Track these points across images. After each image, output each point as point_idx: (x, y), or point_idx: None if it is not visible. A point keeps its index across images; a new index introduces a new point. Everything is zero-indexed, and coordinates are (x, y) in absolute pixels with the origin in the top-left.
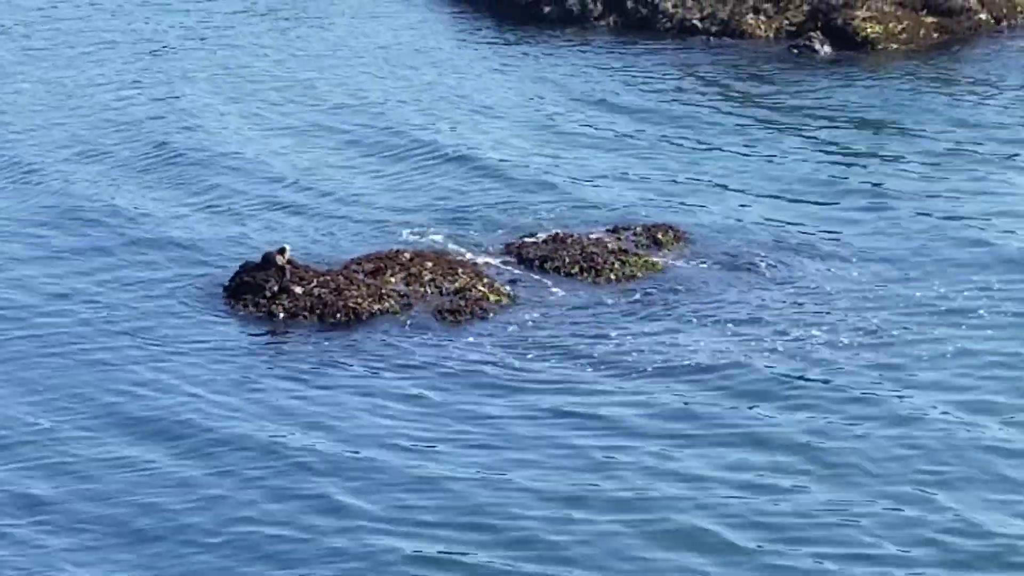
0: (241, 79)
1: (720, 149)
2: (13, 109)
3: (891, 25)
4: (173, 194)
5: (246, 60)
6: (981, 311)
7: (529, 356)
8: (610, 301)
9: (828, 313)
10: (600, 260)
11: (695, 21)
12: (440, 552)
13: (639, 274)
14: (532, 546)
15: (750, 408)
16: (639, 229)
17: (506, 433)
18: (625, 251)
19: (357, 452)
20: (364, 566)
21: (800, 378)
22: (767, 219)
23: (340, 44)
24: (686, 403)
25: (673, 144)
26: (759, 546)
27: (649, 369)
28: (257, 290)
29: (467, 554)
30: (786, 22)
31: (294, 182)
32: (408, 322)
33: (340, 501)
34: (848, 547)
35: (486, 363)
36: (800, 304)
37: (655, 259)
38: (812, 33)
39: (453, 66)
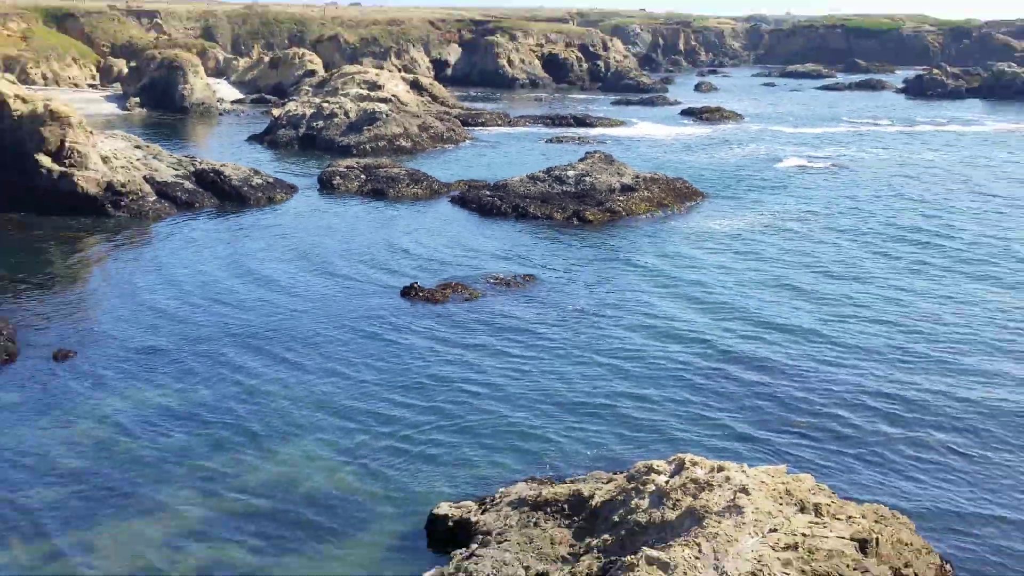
0: None
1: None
2: None
3: (633, 204)
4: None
5: None
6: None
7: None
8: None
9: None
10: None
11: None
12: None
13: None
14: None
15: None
16: (505, 277)
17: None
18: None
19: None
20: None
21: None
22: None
23: None
24: (540, 327)
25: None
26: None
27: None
28: (412, 292)
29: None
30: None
31: (411, 262)
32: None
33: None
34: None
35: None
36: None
37: (528, 282)
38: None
39: None
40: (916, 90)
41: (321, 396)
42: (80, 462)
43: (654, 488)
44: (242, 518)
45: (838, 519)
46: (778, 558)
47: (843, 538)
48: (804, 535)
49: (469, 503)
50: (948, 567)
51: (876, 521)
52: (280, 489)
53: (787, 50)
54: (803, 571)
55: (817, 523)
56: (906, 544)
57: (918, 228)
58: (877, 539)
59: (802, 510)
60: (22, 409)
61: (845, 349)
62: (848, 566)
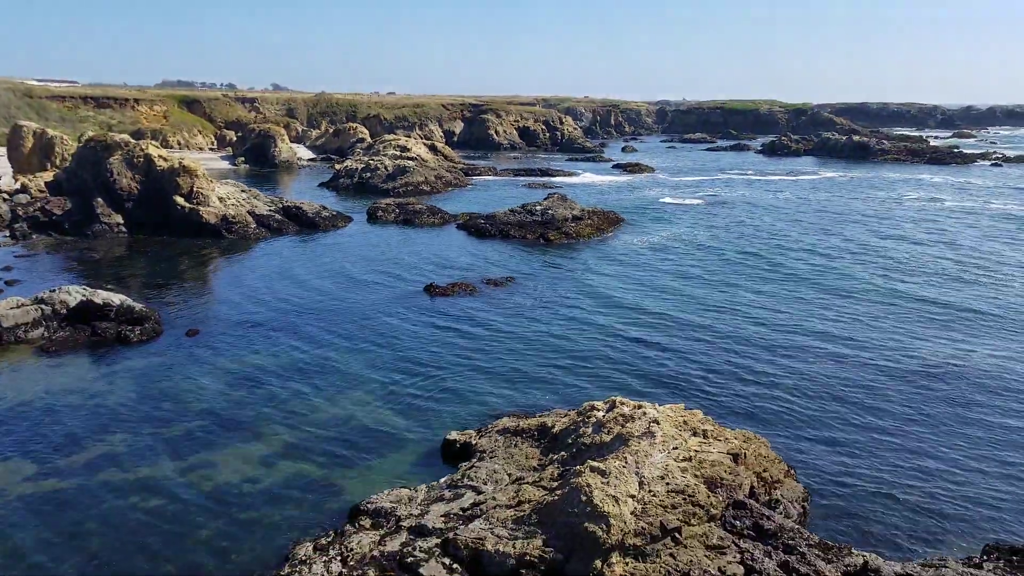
0: None
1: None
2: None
3: (581, 229)
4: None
5: None
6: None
7: (493, 301)
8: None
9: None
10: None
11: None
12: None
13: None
14: (509, 340)
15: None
16: (494, 278)
17: (494, 320)
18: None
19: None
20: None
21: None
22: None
23: None
24: (520, 311)
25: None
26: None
27: (517, 306)
28: (431, 289)
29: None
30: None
31: (431, 268)
32: (474, 289)
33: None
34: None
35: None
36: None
37: (509, 281)
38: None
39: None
40: (770, 151)
41: (367, 359)
42: (202, 405)
43: (595, 420)
44: (312, 443)
45: (718, 440)
46: (679, 466)
47: (722, 452)
48: (696, 451)
49: (470, 431)
50: (792, 470)
51: (744, 441)
52: (338, 423)
53: (684, 124)
54: (696, 475)
55: (705, 443)
56: (764, 456)
57: (766, 247)
58: (745, 453)
59: (694, 434)
60: (165, 369)
61: (716, 334)
62: (726, 471)
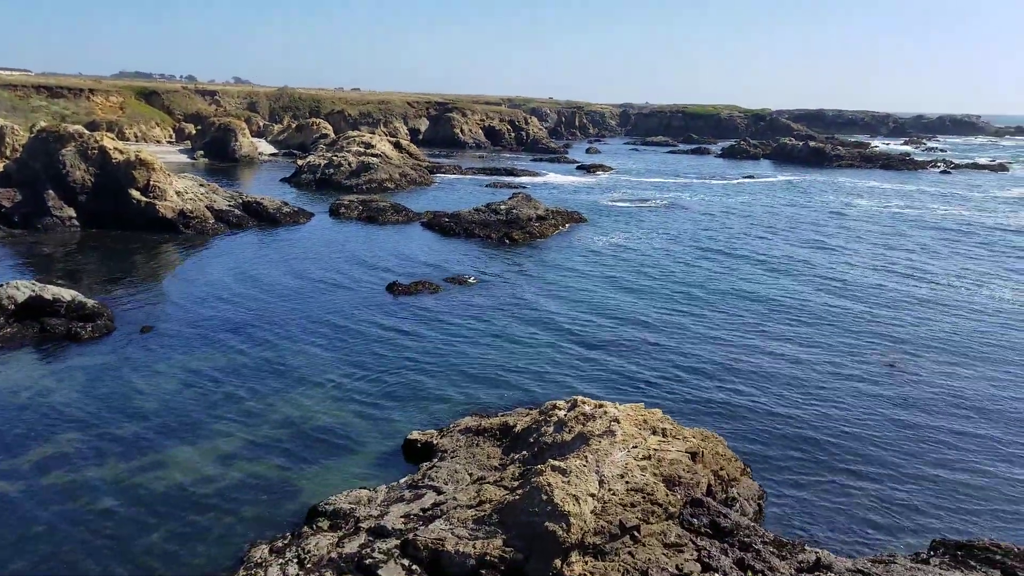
0: None
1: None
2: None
3: (544, 228)
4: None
5: None
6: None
7: (454, 302)
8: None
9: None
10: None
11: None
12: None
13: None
14: (477, 346)
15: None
16: (470, 279)
17: (458, 323)
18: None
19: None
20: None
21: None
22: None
23: None
24: (482, 310)
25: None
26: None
27: (473, 308)
28: (394, 288)
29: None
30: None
31: (394, 267)
32: (436, 291)
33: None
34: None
35: (454, 303)
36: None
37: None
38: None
39: None
40: (729, 155)
41: (326, 358)
42: (154, 404)
43: (556, 419)
44: (269, 443)
45: (677, 439)
46: (638, 465)
47: (681, 451)
48: (655, 449)
49: (432, 431)
50: (748, 469)
51: (702, 440)
52: (295, 423)
53: (647, 127)
54: (655, 473)
55: (664, 441)
56: (721, 455)
57: (719, 248)
58: (703, 451)
59: (654, 433)
60: (116, 367)
61: (672, 336)
62: (684, 469)
